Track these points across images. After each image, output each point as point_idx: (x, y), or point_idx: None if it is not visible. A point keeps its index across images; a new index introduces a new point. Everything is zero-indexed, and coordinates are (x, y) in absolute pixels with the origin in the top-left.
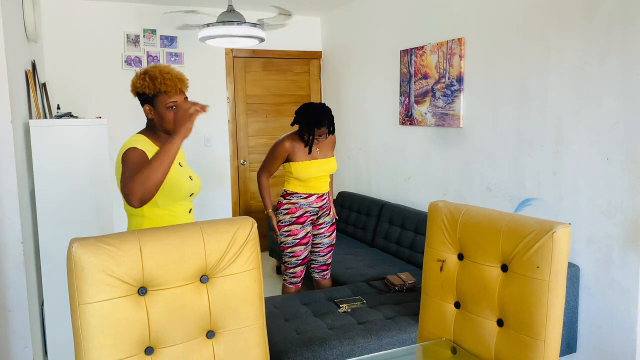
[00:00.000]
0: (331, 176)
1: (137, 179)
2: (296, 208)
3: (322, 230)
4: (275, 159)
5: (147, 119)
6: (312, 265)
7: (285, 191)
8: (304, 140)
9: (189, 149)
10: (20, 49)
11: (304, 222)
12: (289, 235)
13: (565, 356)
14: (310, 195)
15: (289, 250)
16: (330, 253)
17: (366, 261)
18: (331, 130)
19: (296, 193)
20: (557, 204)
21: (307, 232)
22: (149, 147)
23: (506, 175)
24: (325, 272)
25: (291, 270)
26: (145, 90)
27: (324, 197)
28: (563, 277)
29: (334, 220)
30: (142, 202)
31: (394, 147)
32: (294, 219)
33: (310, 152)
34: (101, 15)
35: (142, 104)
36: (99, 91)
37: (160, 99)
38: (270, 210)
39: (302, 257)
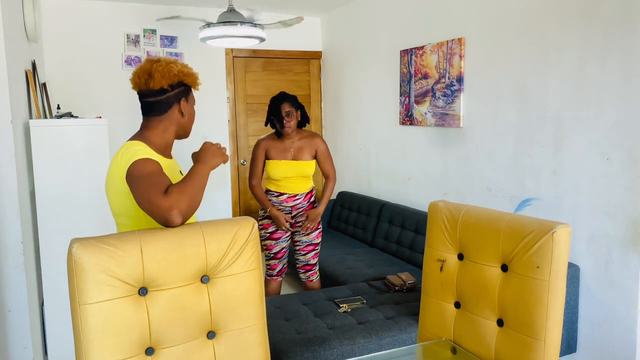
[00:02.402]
0: (330, 183)
1: (186, 192)
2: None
3: (299, 228)
4: (256, 159)
5: (156, 118)
6: (297, 265)
7: (265, 188)
8: (277, 132)
9: (189, 148)
10: (20, 49)
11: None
12: (261, 229)
13: (565, 356)
14: (281, 194)
15: (262, 243)
16: (313, 253)
17: (366, 261)
18: (303, 116)
19: (269, 191)
20: (557, 204)
21: (278, 229)
22: (157, 158)
23: (506, 175)
24: (311, 274)
25: (267, 262)
26: (188, 80)
27: (297, 197)
28: (563, 277)
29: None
30: (186, 219)
31: (394, 147)
32: (266, 214)
33: (283, 133)
34: (101, 15)
35: (175, 99)
36: (99, 91)
37: (192, 95)
38: (271, 208)
39: (273, 252)
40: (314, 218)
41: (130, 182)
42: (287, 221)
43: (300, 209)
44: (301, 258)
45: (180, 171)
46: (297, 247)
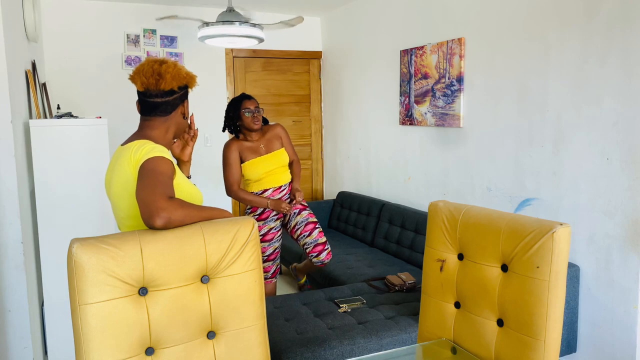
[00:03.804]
0: (296, 164)
1: (187, 209)
2: (256, 207)
3: (290, 212)
4: (232, 163)
5: (159, 119)
6: (307, 250)
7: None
8: (239, 134)
9: None
10: (20, 49)
11: (267, 218)
12: None
13: (565, 356)
14: (265, 190)
15: None
16: (318, 231)
17: (366, 261)
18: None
19: (252, 192)
20: (557, 204)
21: (271, 229)
22: (172, 158)
23: (506, 175)
24: (326, 255)
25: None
26: (192, 82)
27: (282, 188)
28: (563, 277)
29: (302, 203)
30: (166, 227)
31: (394, 147)
32: (256, 216)
33: (253, 128)
34: (101, 15)
35: (180, 100)
36: (99, 91)
37: (188, 98)
38: (268, 200)
39: (267, 254)
40: (297, 192)
41: (141, 173)
42: (287, 209)
43: (287, 199)
44: (308, 240)
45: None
46: (298, 231)
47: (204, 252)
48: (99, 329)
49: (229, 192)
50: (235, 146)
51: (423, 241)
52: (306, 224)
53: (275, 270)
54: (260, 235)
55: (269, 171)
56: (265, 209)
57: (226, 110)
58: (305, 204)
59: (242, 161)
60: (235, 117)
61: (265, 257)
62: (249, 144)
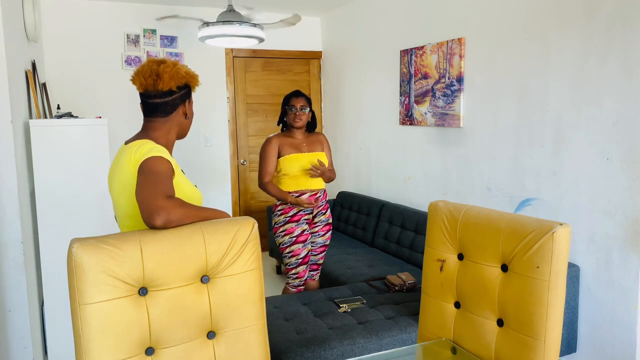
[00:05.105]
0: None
1: (186, 207)
2: (289, 208)
3: (316, 229)
4: (267, 156)
5: (160, 119)
6: None
7: None
8: (287, 129)
9: (189, 148)
10: (20, 49)
11: (299, 220)
12: (285, 235)
13: (565, 356)
14: (303, 193)
15: (287, 250)
16: (323, 254)
17: (366, 261)
18: (313, 119)
19: (289, 192)
20: (557, 204)
21: (304, 230)
22: (171, 159)
23: (506, 175)
24: (315, 273)
25: (293, 271)
26: (193, 82)
27: (318, 195)
28: (563, 277)
29: (330, 221)
30: (166, 227)
31: (394, 147)
32: (288, 218)
33: (293, 125)
34: (101, 15)
35: (180, 100)
36: (99, 91)
37: (192, 97)
38: (290, 197)
39: (302, 256)
40: (328, 169)
41: (140, 172)
42: (309, 203)
43: (321, 207)
44: (312, 258)
45: (182, 170)
46: (311, 248)
47: (204, 252)
48: (99, 329)
49: (260, 183)
50: (275, 141)
51: (423, 241)
52: (321, 246)
53: (306, 277)
54: (293, 237)
55: (306, 170)
56: (297, 212)
57: (282, 107)
58: (330, 221)
59: (280, 155)
60: (283, 111)
61: (300, 260)
62: (291, 141)
